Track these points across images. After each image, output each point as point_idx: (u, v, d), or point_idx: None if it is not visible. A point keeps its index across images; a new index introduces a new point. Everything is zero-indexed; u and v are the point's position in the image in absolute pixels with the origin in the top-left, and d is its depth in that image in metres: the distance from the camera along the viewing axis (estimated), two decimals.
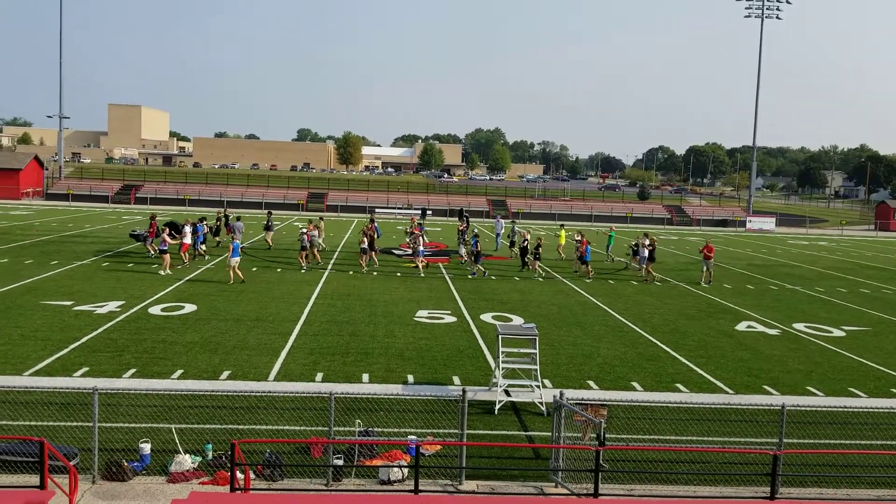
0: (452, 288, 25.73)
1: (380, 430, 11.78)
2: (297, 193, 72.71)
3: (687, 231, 63.19)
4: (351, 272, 28.29)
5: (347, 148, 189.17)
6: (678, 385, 15.17)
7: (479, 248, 29.85)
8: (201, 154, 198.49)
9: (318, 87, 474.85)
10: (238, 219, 34.44)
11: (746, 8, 73.21)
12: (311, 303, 21.86)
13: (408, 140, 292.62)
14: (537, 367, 13.47)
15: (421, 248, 30.09)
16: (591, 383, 14.96)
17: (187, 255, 28.26)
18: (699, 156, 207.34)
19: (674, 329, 20.47)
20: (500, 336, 13.56)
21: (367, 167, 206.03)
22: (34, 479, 9.26)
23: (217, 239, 34.87)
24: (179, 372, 14.52)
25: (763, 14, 72.65)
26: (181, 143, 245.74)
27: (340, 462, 10.40)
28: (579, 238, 31.01)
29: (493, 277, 28.54)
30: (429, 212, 62.57)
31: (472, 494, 10.12)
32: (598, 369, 16.03)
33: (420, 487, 9.48)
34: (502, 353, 13.48)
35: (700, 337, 19.65)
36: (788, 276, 33.19)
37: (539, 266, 29.98)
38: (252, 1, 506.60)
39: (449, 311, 21.50)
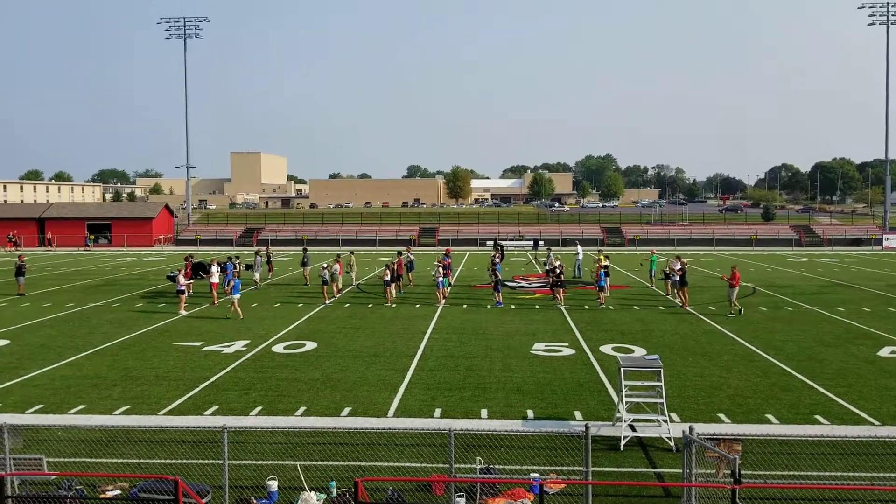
0: (569, 319, 25.23)
1: (501, 466, 11.54)
2: (408, 229, 73.98)
3: (817, 252, 59.78)
4: (465, 306, 28.28)
5: (456, 182, 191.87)
6: (817, 416, 14.16)
7: (499, 276, 29.35)
8: (317, 195, 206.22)
9: (426, 123, 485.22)
10: (257, 254, 36.36)
11: (870, 16, 69.50)
12: (426, 338, 21.94)
13: (516, 171, 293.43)
14: (663, 401, 12.88)
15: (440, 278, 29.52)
16: (722, 416, 14.19)
17: (216, 293, 29.15)
18: (826, 172, 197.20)
19: (809, 357, 19.22)
20: (622, 369, 13.08)
21: (476, 200, 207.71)
22: None
23: (257, 275, 36.04)
24: (303, 409, 14.81)
25: (888, 20, 68.72)
26: (298, 186, 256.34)
27: (463, 500, 10.22)
28: (598, 260, 29.75)
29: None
30: (541, 242, 62.06)
31: None
32: (729, 401, 15.19)
33: None
34: (625, 386, 12.98)
35: (839, 364, 18.35)
36: None
37: (562, 294, 29.14)
38: (357, 44, 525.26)
39: (567, 343, 21.05)
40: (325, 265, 30.63)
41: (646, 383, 13.30)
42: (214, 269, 29.81)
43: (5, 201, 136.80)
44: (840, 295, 31.32)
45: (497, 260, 31.56)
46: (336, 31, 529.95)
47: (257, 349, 20.45)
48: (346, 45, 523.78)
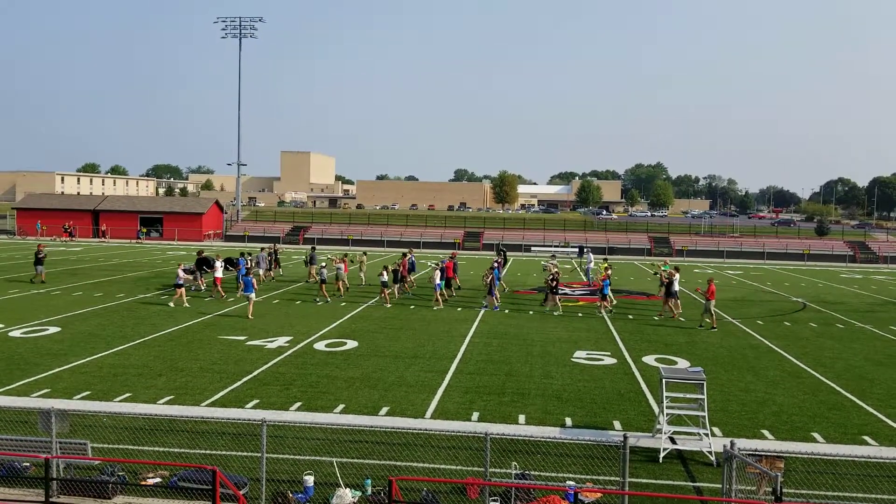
0: (612, 328, 24.96)
1: (537, 473, 11.45)
2: (453, 233, 74.02)
3: (872, 269, 58.10)
4: (507, 311, 28.17)
5: (503, 187, 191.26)
6: (865, 437, 13.75)
7: (494, 281, 29.12)
8: (364, 196, 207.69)
9: (475, 127, 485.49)
10: (262, 250, 36.91)
11: None
12: (466, 341, 21.92)
13: (564, 177, 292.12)
14: (705, 414, 12.64)
15: (437, 281, 29.35)
16: (766, 433, 13.87)
17: (221, 288, 29.64)
18: (885, 187, 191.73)
19: (860, 376, 18.68)
20: (664, 380, 12.88)
21: (522, 205, 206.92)
22: None
23: (270, 273, 36.69)
24: (341, 406, 14.91)
25: None
26: (346, 186, 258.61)
27: None
28: (606, 269, 29.45)
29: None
30: (586, 249, 61.51)
31: None
32: (774, 418, 14.85)
33: None
34: (667, 398, 12.78)
35: (891, 385, 17.79)
36: None
37: (559, 301, 28.81)
38: (407, 47, 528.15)
39: (609, 353, 20.82)
40: (324, 264, 30.89)
41: (688, 396, 13.07)
42: (218, 264, 30.41)
43: (62, 193, 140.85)
44: (894, 313, 30.39)
45: (495, 264, 31.39)
46: (386, 34, 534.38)
47: (299, 346, 20.66)
48: (396, 49, 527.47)
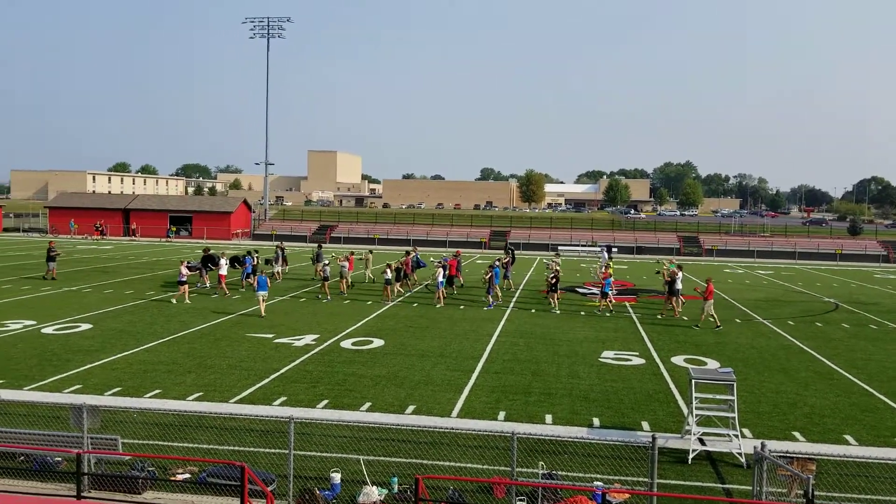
0: (640, 328, 24.75)
1: (564, 473, 11.38)
2: (479, 232, 73.88)
3: None
4: (533, 310, 28.07)
5: (530, 186, 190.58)
6: None
7: (492, 279, 29.08)
8: (390, 195, 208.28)
9: (501, 125, 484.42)
10: (282, 249, 36.71)
11: None
12: (493, 340, 21.86)
13: (592, 176, 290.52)
14: (735, 415, 12.48)
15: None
16: (797, 434, 13.67)
17: (225, 285, 30.03)
18: None
19: (893, 377, 18.33)
20: (693, 381, 12.73)
21: (549, 204, 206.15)
22: (235, 503, 9.78)
23: (278, 269, 36.23)
24: (368, 404, 14.95)
25: None
26: (372, 185, 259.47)
27: None
28: (604, 269, 29.17)
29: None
30: (614, 249, 61.12)
31: None
32: (805, 419, 14.62)
33: None
34: (696, 398, 12.63)
35: None
36: None
37: (557, 299, 28.51)
38: (433, 46, 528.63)
39: (637, 353, 20.65)
40: (326, 262, 30.96)
41: (717, 396, 12.92)
42: (223, 261, 30.74)
43: (94, 192, 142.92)
44: None
45: (497, 264, 31.23)
46: (412, 33, 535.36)
47: (326, 344, 20.76)
48: (422, 49, 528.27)
